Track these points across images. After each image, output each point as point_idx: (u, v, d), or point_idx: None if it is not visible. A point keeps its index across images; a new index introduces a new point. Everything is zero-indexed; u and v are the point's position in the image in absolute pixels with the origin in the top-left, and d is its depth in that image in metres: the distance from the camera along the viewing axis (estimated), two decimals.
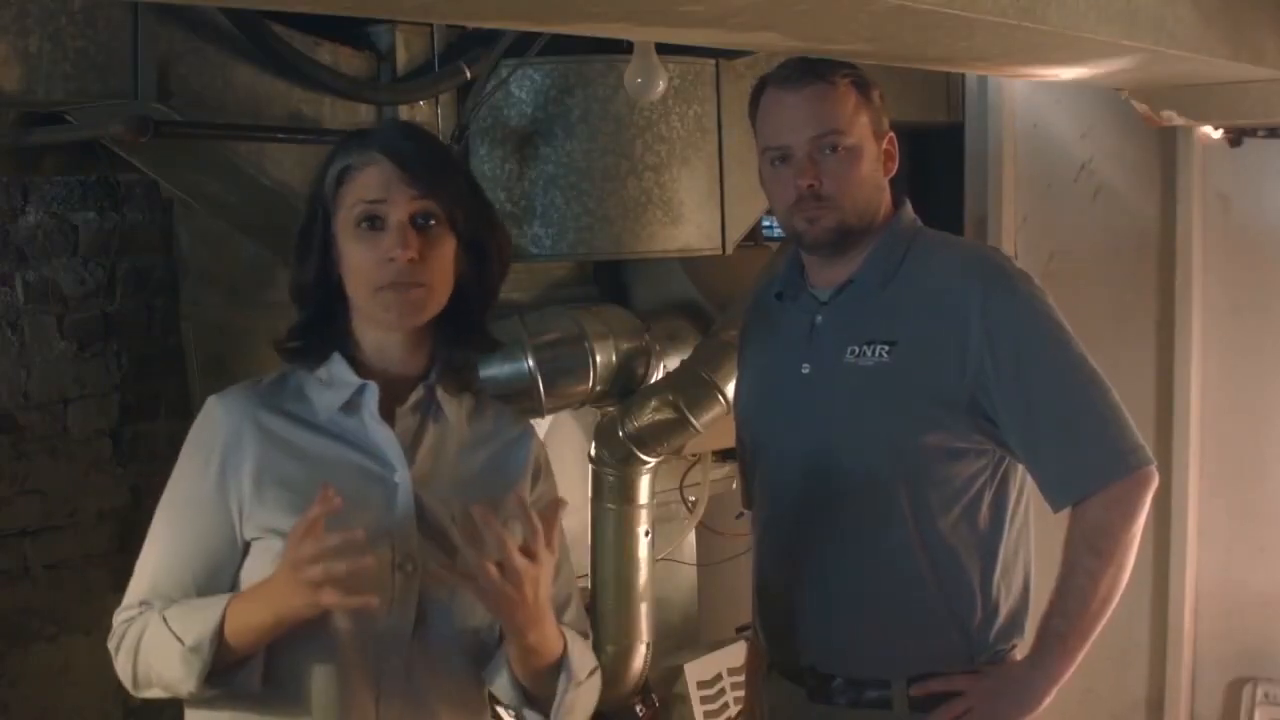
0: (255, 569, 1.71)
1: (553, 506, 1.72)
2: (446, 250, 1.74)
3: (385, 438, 1.75)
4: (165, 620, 1.68)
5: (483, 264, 1.79)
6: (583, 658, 1.81)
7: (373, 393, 1.75)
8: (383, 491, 1.74)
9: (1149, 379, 3.77)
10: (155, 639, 1.69)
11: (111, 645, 1.76)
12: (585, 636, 1.89)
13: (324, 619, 1.67)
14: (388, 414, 1.76)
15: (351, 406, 1.76)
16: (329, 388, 1.76)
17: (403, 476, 1.75)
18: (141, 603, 1.75)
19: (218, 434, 1.74)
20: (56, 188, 3.14)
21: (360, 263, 1.72)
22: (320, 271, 1.75)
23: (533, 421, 3.29)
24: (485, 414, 1.87)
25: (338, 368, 1.76)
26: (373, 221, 1.71)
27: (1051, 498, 2.08)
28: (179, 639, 1.66)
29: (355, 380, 1.75)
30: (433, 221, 1.73)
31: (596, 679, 1.85)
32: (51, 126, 2.57)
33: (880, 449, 2.09)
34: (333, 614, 1.67)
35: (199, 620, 1.66)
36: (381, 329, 1.76)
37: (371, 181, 1.72)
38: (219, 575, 1.73)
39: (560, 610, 1.82)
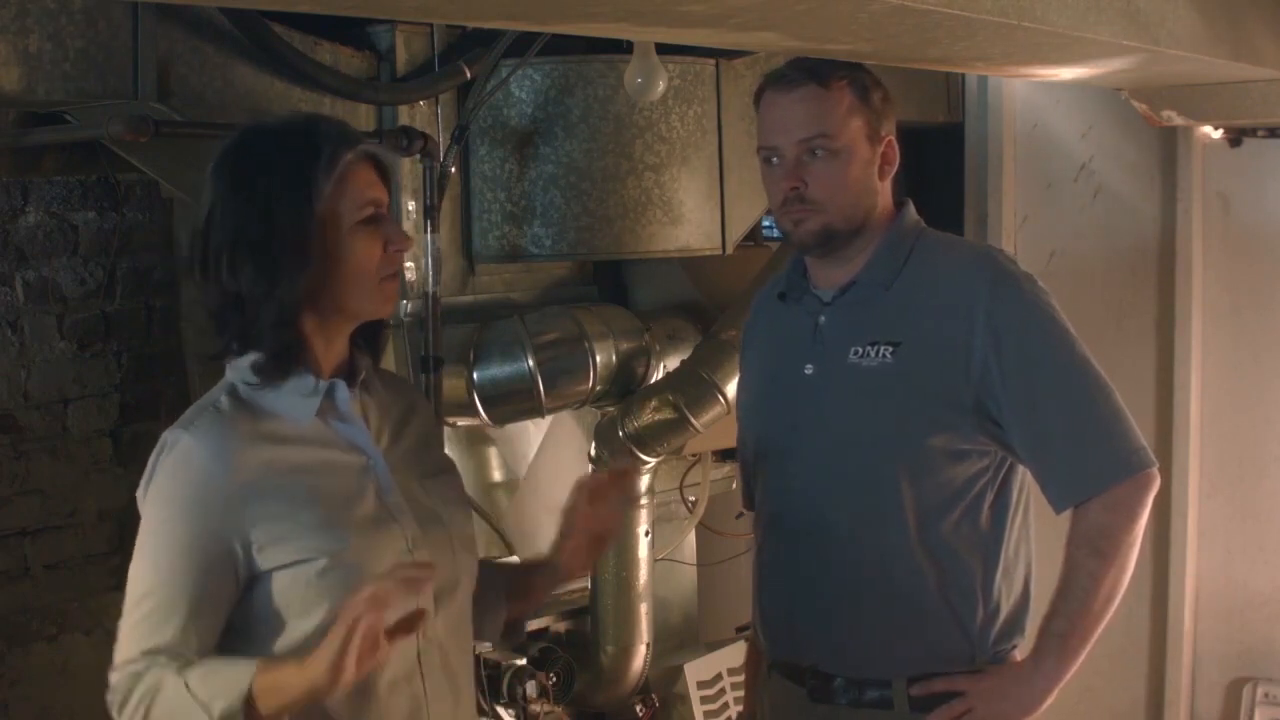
0: (297, 593, 1.68)
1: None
2: None
3: (357, 430, 1.78)
4: (187, 686, 1.61)
5: None
6: None
7: (343, 390, 1.77)
8: (372, 482, 1.77)
9: (1149, 379, 3.76)
10: (175, 704, 1.62)
11: (113, 699, 1.69)
12: None
13: None
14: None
15: (324, 409, 1.76)
16: (299, 395, 1.75)
17: (378, 460, 1.78)
18: (144, 652, 1.66)
19: (209, 476, 1.68)
20: (56, 188, 3.14)
21: (369, 256, 1.74)
22: (317, 276, 1.72)
23: (532, 422, 3.35)
24: (378, 381, 1.88)
25: (301, 378, 1.75)
26: (375, 218, 1.76)
27: (1054, 499, 2.08)
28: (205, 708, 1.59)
29: (321, 383, 1.75)
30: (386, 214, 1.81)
31: None
32: (51, 126, 2.57)
33: (883, 449, 2.08)
34: None
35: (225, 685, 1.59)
36: (351, 321, 1.78)
37: (369, 177, 1.76)
38: (217, 616, 1.69)
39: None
